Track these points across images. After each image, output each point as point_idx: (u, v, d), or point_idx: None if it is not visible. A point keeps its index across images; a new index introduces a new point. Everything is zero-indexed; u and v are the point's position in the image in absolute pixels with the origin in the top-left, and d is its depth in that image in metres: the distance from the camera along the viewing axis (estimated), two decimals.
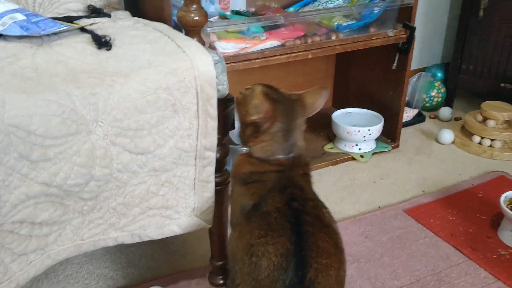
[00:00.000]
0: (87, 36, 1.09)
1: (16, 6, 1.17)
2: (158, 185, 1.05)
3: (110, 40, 1.04)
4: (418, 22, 2.02)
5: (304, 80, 2.27)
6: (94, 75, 0.93)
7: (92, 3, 1.44)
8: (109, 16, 1.36)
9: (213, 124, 1.08)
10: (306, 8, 1.91)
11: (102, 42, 1.02)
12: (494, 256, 1.45)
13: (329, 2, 1.90)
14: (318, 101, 1.09)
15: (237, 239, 0.97)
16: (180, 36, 1.14)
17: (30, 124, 0.84)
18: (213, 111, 1.07)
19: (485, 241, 1.51)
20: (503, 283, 1.34)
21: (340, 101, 2.34)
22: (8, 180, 0.85)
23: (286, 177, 1.01)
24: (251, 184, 1.03)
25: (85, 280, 1.36)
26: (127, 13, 1.42)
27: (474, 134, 2.07)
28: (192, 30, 1.20)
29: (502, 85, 2.24)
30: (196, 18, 1.17)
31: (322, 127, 2.18)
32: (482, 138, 2.05)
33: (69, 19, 1.27)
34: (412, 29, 1.83)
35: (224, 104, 1.12)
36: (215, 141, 1.10)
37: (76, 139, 0.90)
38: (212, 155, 1.10)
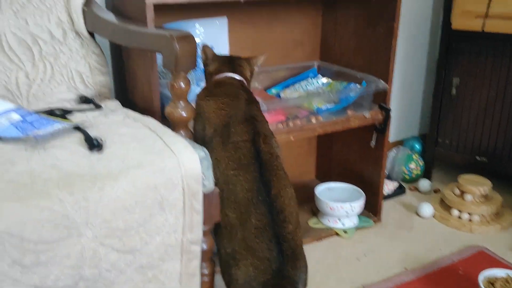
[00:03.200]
0: (79, 136, 1.15)
1: (11, 105, 1.24)
2: (145, 282, 1.08)
3: (101, 141, 1.10)
4: (394, 96, 2.12)
5: (286, 155, 2.33)
6: (86, 178, 0.98)
7: (84, 94, 1.52)
8: (100, 107, 1.43)
9: (198, 218, 1.13)
10: (287, 90, 2.01)
11: (94, 144, 1.08)
12: None
13: (308, 84, 2.01)
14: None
15: (216, 164, 1.25)
16: (167, 133, 1.21)
17: (23, 231, 0.89)
18: (199, 206, 1.12)
19: None
20: None
21: (323, 174, 2.41)
22: (0, 286, 0.88)
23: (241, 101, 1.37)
24: (218, 98, 1.38)
25: None
26: (117, 104, 1.49)
27: (453, 208, 2.14)
28: (180, 124, 1.27)
29: (478, 158, 2.34)
30: (184, 114, 1.25)
31: (306, 200, 2.23)
32: (461, 211, 2.12)
33: (62, 113, 1.34)
34: (388, 111, 1.93)
35: (209, 197, 1.17)
36: (200, 235, 1.14)
37: (67, 242, 0.94)
38: (197, 249, 1.14)
